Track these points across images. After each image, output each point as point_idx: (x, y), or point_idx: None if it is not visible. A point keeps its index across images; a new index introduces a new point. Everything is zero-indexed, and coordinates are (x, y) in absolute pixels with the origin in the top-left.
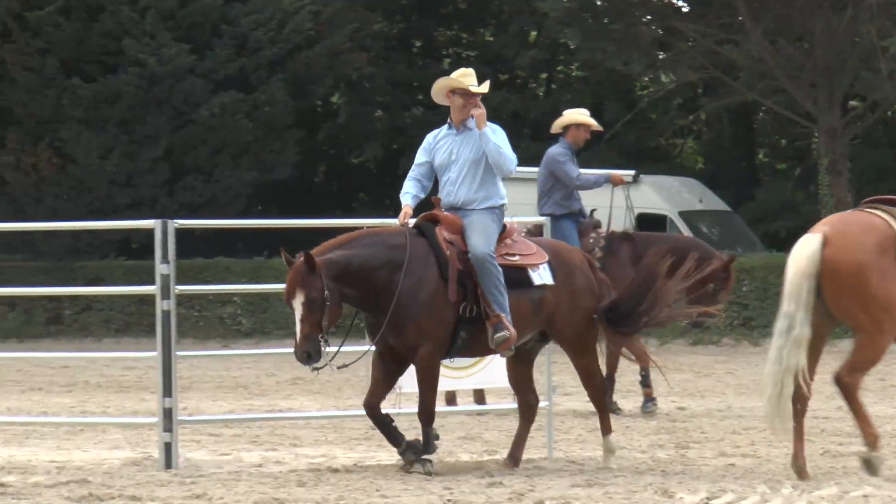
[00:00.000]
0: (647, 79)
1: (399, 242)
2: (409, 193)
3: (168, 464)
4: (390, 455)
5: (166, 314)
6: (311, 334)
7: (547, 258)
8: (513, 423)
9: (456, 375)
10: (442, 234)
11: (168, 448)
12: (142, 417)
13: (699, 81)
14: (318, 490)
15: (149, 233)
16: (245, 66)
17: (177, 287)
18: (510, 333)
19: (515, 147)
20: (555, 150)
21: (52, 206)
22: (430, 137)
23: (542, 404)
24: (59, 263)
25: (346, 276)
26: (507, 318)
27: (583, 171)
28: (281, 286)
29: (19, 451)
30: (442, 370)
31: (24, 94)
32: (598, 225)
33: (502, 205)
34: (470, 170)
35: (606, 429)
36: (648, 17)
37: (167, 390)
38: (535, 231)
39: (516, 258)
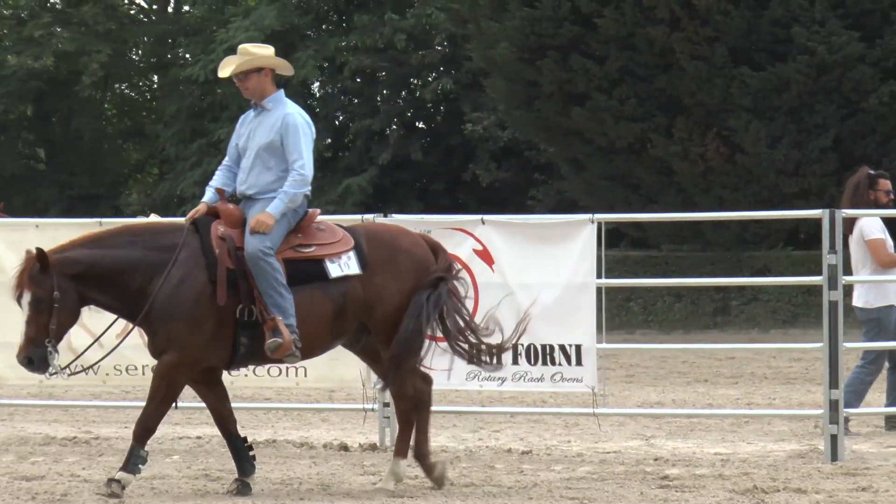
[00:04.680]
0: None
1: (169, 242)
2: (212, 187)
3: (834, 456)
4: None
5: (833, 305)
6: (35, 338)
7: (351, 245)
8: None
9: None
10: (217, 229)
11: (834, 440)
12: (808, 409)
13: None
14: None
15: (816, 222)
16: None
17: (844, 277)
18: (283, 339)
19: None
20: None
21: (719, 196)
22: (241, 118)
23: None
24: (726, 254)
25: (91, 277)
26: (283, 322)
27: None
28: None
29: (684, 444)
30: None
31: (693, 83)
32: None
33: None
34: (261, 155)
35: (401, 451)
36: None
37: (833, 382)
38: None
39: (311, 249)
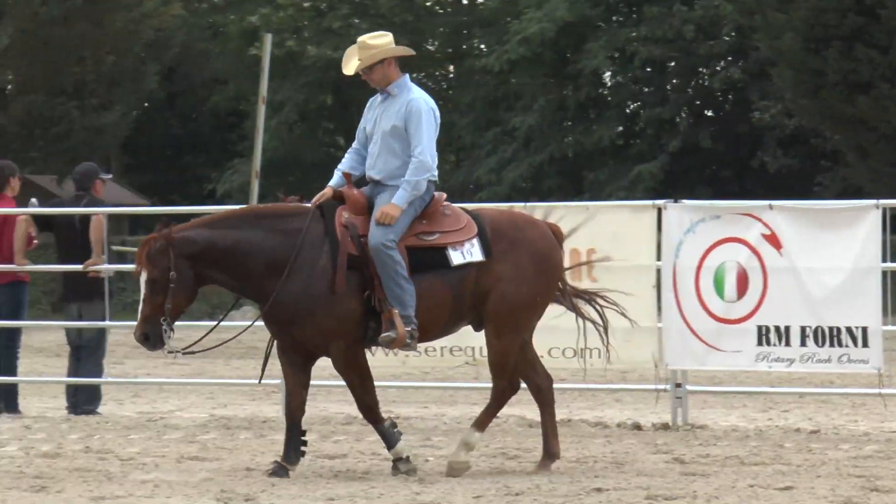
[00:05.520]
0: None
1: (294, 226)
2: (339, 171)
3: None
4: None
5: None
6: (151, 316)
7: (475, 232)
8: None
9: None
10: (341, 215)
11: None
12: None
13: None
14: None
15: None
16: None
17: None
18: (397, 334)
19: None
20: None
21: None
22: (368, 103)
23: None
24: None
25: (209, 258)
26: (400, 315)
27: None
28: None
29: None
30: None
31: None
32: None
33: (428, 179)
34: (387, 141)
35: (480, 424)
36: None
37: None
38: None
39: (434, 237)
